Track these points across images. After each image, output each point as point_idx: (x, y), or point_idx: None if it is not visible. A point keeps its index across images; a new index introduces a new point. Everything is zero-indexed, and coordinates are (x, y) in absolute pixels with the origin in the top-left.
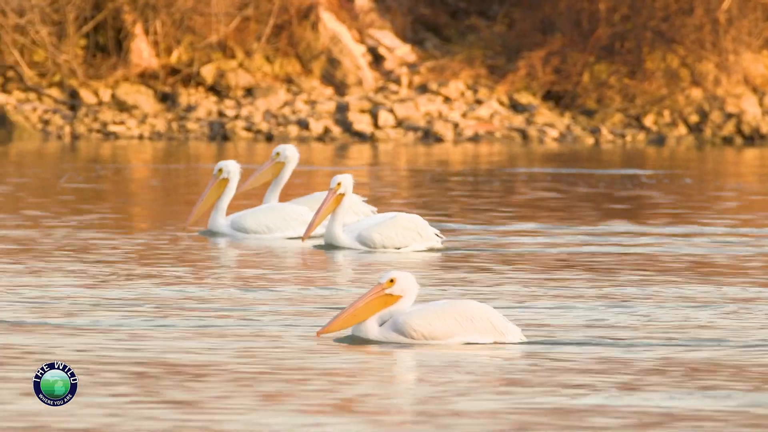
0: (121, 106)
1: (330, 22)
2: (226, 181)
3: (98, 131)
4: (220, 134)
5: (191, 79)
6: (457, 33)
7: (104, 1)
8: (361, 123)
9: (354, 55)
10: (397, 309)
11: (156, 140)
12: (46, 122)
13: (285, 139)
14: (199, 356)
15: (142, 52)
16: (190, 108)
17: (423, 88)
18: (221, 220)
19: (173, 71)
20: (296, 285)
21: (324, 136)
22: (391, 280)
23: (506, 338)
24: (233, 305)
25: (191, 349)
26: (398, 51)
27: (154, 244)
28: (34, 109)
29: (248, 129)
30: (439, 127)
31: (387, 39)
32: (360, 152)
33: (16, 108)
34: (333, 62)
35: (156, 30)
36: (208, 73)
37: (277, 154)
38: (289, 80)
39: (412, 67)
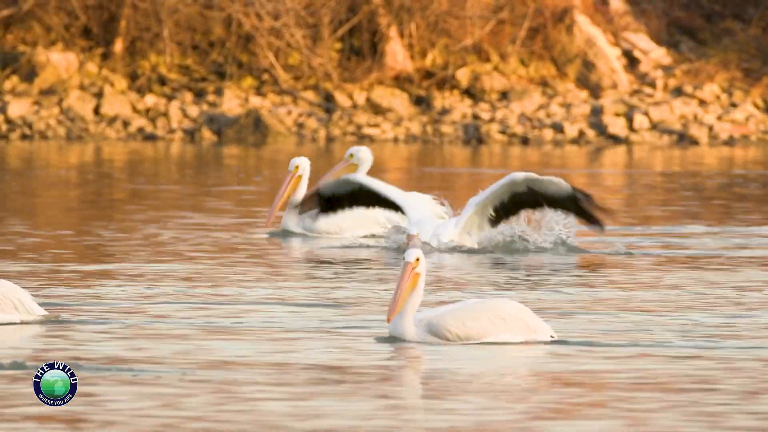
0: (376, 109)
1: (585, 26)
2: (300, 178)
3: (352, 134)
4: (474, 137)
5: (446, 83)
6: (712, 36)
7: (359, 4)
8: (616, 126)
9: (609, 58)
10: (430, 312)
11: (410, 143)
12: (301, 125)
13: (540, 142)
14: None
15: (397, 55)
16: (444, 111)
17: (678, 91)
18: (294, 219)
19: (428, 74)
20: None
21: (578, 139)
22: (417, 259)
23: (537, 336)
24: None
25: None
26: (653, 54)
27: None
28: (289, 113)
29: (503, 132)
30: (694, 130)
31: (642, 42)
32: (614, 155)
33: (270, 111)
34: (588, 65)
35: (411, 33)
36: (462, 76)
37: (351, 155)
38: (544, 83)
39: (667, 70)
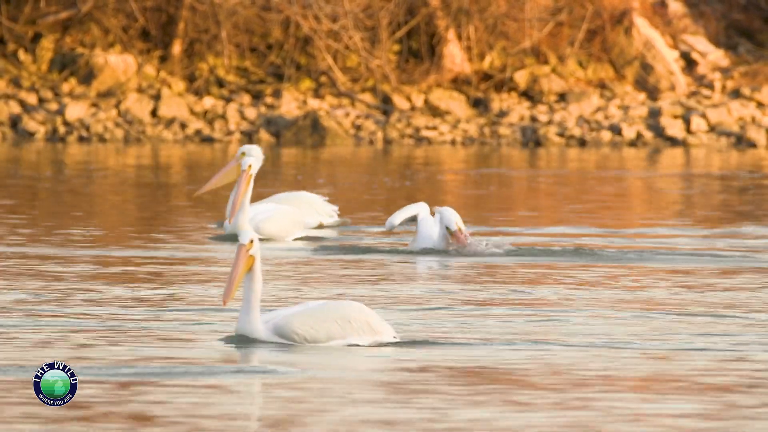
0: (434, 112)
1: (643, 28)
2: (251, 176)
3: (410, 136)
4: (532, 139)
5: (504, 85)
6: None
7: (417, 6)
8: (674, 128)
9: (667, 60)
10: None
11: (468, 145)
12: (359, 127)
13: (597, 144)
14: None
15: (455, 57)
16: (502, 113)
17: (736, 93)
18: (245, 220)
19: (486, 76)
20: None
21: (636, 141)
22: (251, 241)
23: (382, 338)
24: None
25: None
26: (711, 56)
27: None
28: (347, 115)
29: (561, 134)
30: (752, 133)
31: (700, 44)
32: (672, 157)
33: (328, 113)
34: (646, 67)
35: (469, 35)
36: (521, 78)
37: (243, 154)
38: (602, 85)
39: (725, 72)
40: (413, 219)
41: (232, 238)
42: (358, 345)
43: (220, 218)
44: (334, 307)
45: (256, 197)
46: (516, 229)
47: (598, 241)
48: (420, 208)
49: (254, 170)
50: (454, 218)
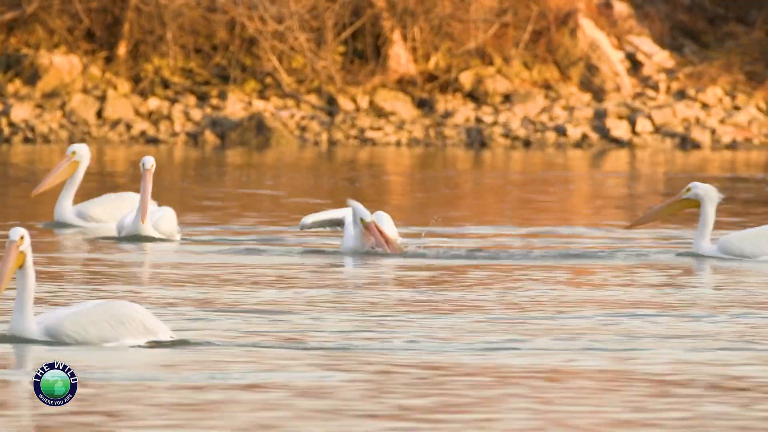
0: (379, 113)
1: (589, 29)
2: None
3: (355, 137)
4: (477, 141)
5: (449, 86)
6: (715, 39)
7: (363, 7)
8: (619, 129)
9: (612, 61)
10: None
11: (413, 146)
12: (304, 129)
13: (543, 145)
14: None
15: (400, 58)
16: (447, 114)
17: (681, 94)
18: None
19: (431, 77)
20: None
21: (582, 143)
22: (22, 237)
23: (158, 337)
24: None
25: None
26: (656, 57)
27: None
28: (292, 116)
29: (506, 135)
30: (697, 134)
31: (645, 45)
32: (617, 158)
33: (273, 115)
34: (591, 68)
35: (414, 36)
36: (466, 79)
37: (73, 152)
38: (547, 86)
39: (670, 73)
40: (339, 223)
41: (140, 238)
42: (133, 346)
43: (48, 219)
44: (107, 307)
45: (83, 196)
46: (440, 230)
47: (512, 242)
48: (345, 213)
49: (82, 168)
50: (366, 210)
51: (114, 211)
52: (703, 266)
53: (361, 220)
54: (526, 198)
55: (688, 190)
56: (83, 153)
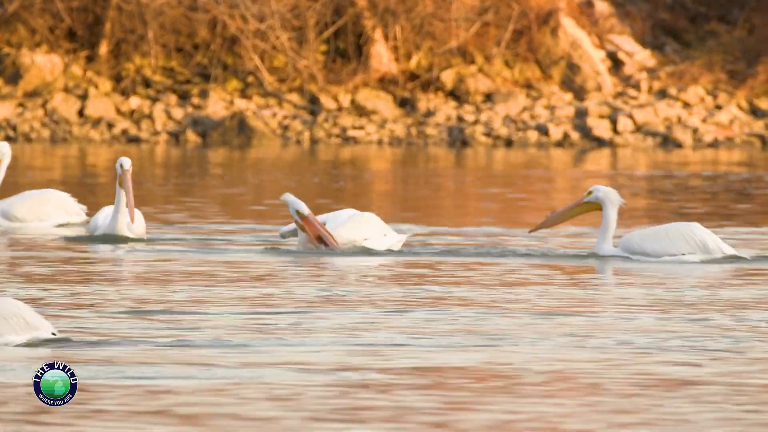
0: (361, 111)
1: (570, 28)
2: None
3: (337, 136)
4: (459, 139)
5: (430, 85)
6: (696, 38)
7: (344, 6)
8: (600, 128)
9: (593, 60)
10: None
11: (395, 145)
12: (286, 128)
13: (524, 144)
14: None
15: (382, 57)
16: (429, 113)
17: (662, 93)
18: (124, 222)
19: (413, 76)
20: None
21: (563, 142)
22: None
23: (40, 334)
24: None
25: None
26: (638, 56)
27: None
28: (274, 115)
29: (487, 134)
30: (679, 133)
31: (627, 44)
32: (599, 157)
33: (255, 114)
34: (572, 67)
35: (396, 35)
36: (447, 78)
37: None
38: (528, 85)
39: (652, 72)
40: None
41: (116, 239)
42: (14, 343)
43: None
44: None
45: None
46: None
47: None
48: (325, 218)
49: (4, 166)
50: (302, 203)
51: (37, 210)
52: (604, 267)
53: (298, 212)
54: (490, 196)
55: (590, 193)
56: (4, 151)
